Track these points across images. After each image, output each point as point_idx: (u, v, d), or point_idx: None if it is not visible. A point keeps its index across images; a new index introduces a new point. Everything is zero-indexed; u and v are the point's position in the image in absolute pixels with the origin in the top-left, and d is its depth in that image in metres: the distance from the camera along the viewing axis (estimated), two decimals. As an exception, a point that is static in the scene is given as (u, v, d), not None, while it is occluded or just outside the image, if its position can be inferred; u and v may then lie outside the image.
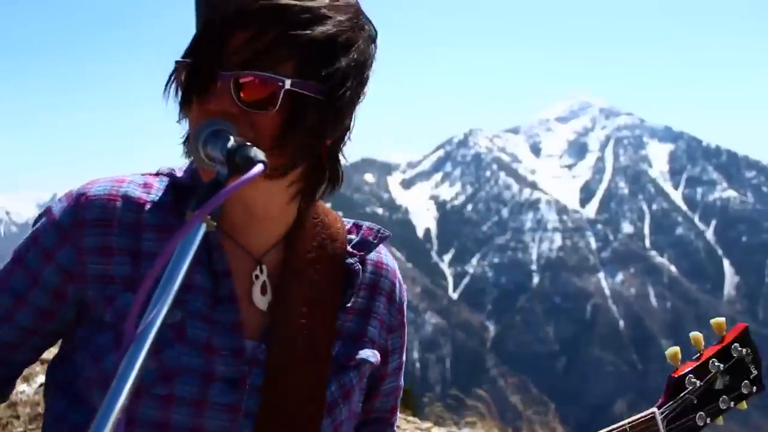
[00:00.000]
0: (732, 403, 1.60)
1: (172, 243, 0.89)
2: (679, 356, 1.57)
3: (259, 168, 0.96)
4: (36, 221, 1.33)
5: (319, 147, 1.23)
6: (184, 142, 1.29)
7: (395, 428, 1.58)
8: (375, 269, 1.44)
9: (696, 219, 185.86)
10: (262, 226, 1.32)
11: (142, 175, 1.34)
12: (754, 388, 1.62)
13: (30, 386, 4.77)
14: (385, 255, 1.48)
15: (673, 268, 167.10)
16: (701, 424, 1.57)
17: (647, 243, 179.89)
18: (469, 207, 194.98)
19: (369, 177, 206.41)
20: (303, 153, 1.21)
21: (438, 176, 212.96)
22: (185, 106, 1.20)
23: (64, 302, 1.28)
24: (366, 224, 1.47)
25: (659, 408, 1.54)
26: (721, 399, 1.58)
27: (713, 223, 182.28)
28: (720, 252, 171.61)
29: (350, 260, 1.39)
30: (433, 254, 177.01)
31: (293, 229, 1.36)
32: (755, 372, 1.63)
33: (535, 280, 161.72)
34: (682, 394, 1.55)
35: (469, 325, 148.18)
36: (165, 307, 0.87)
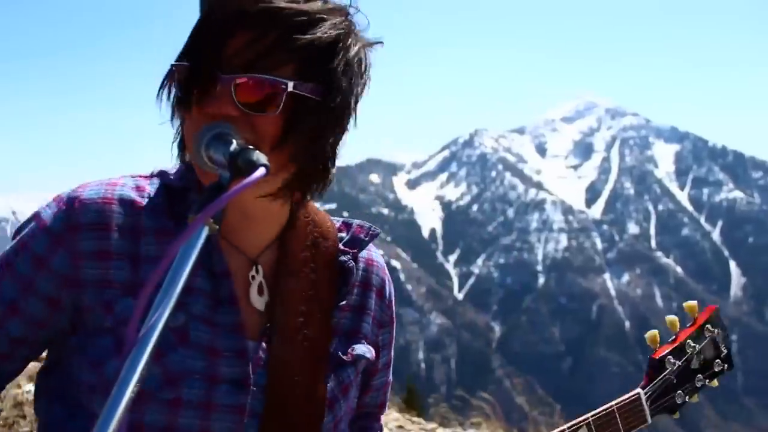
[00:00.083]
0: (707, 380, 1.69)
1: (174, 246, 0.88)
2: (658, 339, 1.65)
3: (261, 172, 0.96)
4: (22, 227, 1.30)
5: (319, 149, 1.24)
6: (178, 145, 1.30)
7: (382, 423, 1.61)
8: (366, 266, 1.46)
9: (702, 220, 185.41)
10: (257, 226, 1.33)
11: (133, 177, 1.33)
12: (725, 366, 1.73)
13: (36, 386, 4.77)
14: (374, 252, 1.50)
15: (679, 269, 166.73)
16: (680, 402, 1.65)
17: (653, 244, 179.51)
18: (475, 207, 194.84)
19: (374, 177, 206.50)
20: (303, 155, 1.22)
21: (443, 176, 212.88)
22: (183, 109, 1.20)
23: (58, 310, 1.25)
24: (356, 222, 1.49)
25: (643, 389, 1.61)
26: (696, 378, 1.67)
27: (719, 223, 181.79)
28: (726, 253, 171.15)
29: (343, 258, 1.41)
30: (439, 254, 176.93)
31: (286, 229, 1.37)
32: (725, 351, 1.73)
33: (541, 280, 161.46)
34: (662, 375, 1.63)
35: (475, 325, 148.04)
36: (167, 310, 0.87)
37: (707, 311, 1.73)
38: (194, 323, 1.23)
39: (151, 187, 1.31)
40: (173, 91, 1.22)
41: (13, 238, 1.30)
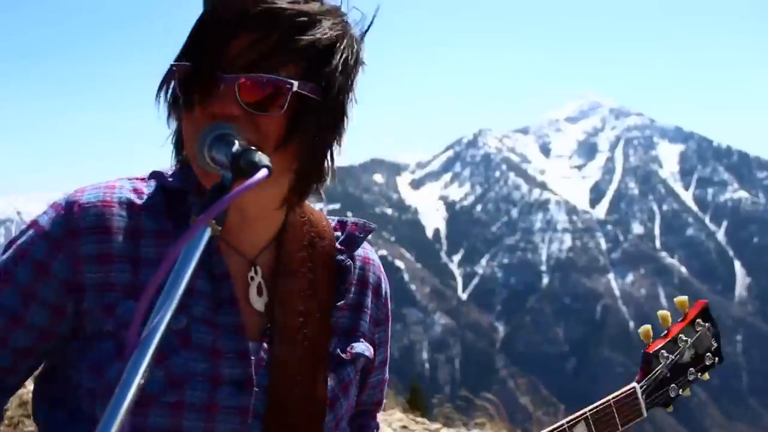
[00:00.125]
0: (698, 374, 1.72)
1: (176, 247, 0.88)
2: (651, 334, 1.68)
3: (263, 173, 0.97)
4: (17, 237, 1.28)
5: (320, 148, 1.25)
6: (175, 145, 1.30)
7: (378, 421, 1.61)
8: (363, 264, 1.47)
9: (707, 220, 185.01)
10: (254, 227, 1.33)
11: (130, 180, 1.33)
12: (716, 359, 1.76)
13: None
14: (370, 251, 1.51)
15: (683, 269, 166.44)
16: (673, 395, 1.69)
17: (657, 244, 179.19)
18: (479, 207, 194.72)
19: (378, 177, 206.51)
20: (306, 155, 1.23)
21: (447, 176, 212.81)
22: (186, 108, 1.19)
23: (64, 318, 1.24)
24: (351, 220, 1.49)
25: (638, 383, 1.64)
26: (689, 371, 1.70)
27: (724, 223, 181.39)
28: (731, 253, 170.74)
29: (340, 257, 1.42)
30: (443, 255, 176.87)
31: (283, 230, 1.37)
32: (716, 345, 1.76)
33: (545, 280, 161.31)
34: (656, 369, 1.66)
35: (479, 325, 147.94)
36: (169, 312, 0.87)
37: (697, 306, 1.76)
38: (196, 325, 1.23)
39: (148, 189, 1.30)
40: (172, 90, 1.23)
41: (7, 248, 1.28)
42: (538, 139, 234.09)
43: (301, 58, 1.18)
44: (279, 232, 1.37)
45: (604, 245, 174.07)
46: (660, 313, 1.70)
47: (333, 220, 1.48)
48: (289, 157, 1.21)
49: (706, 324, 1.75)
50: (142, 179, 1.33)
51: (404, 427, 8.61)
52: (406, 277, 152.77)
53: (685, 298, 1.74)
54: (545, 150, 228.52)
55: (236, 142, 1.06)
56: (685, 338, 1.70)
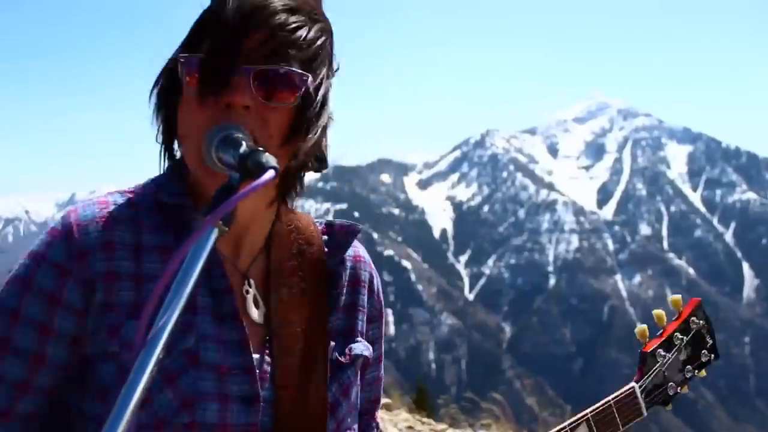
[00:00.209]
0: (695, 371, 1.75)
1: (183, 248, 0.88)
2: (647, 333, 1.70)
3: (270, 174, 0.97)
4: (20, 270, 1.22)
5: (314, 145, 1.26)
6: (167, 142, 1.30)
7: (378, 419, 1.60)
8: (353, 263, 1.46)
9: (715, 221, 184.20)
10: (246, 237, 1.32)
11: (122, 194, 1.30)
12: (712, 356, 1.78)
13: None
14: (359, 247, 1.50)
15: (691, 271, 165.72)
16: (672, 393, 1.70)
17: (665, 245, 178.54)
18: (486, 208, 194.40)
19: (385, 177, 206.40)
20: (303, 152, 1.24)
21: (454, 177, 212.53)
22: (198, 99, 1.18)
23: (81, 346, 1.20)
24: (337, 222, 1.48)
25: (637, 382, 1.66)
26: (686, 369, 1.73)
27: (732, 225, 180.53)
28: (739, 254, 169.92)
29: (331, 262, 1.41)
30: (450, 255, 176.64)
31: (271, 239, 1.36)
32: (711, 341, 1.78)
33: (552, 281, 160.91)
34: (654, 368, 1.67)
35: (485, 326, 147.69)
36: (175, 313, 0.86)
37: (691, 304, 1.78)
38: (203, 343, 1.21)
39: (143, 203, 1.28)
40: (173, 82, 1.24)
41: (8, 282, 1.22)
42: (545, 139, 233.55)
43: (302, 54, 1.20)
44: (267, 241, 1.36)
45: (611, 246, 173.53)
46: (655, 312, 1.72)
47: (321, 224, 1.46)
48: (286, 154, 1.22)
49: (701, 321, 1.76)
50: (132, 191, 1.31)
51: (410, 427, 8.61)
52: (412, 277, 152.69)
53: (679, 296, 1.76)
54: (553, 150, 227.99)
55: (243, 143, 1.07)
56: (680, 336, 1.71)
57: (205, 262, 0.90)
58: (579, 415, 1.59)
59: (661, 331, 1.72)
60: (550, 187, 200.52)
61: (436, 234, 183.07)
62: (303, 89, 1.20)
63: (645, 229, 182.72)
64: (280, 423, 1.25)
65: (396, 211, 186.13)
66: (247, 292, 1.31)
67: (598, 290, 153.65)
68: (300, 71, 1.19)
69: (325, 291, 1.39)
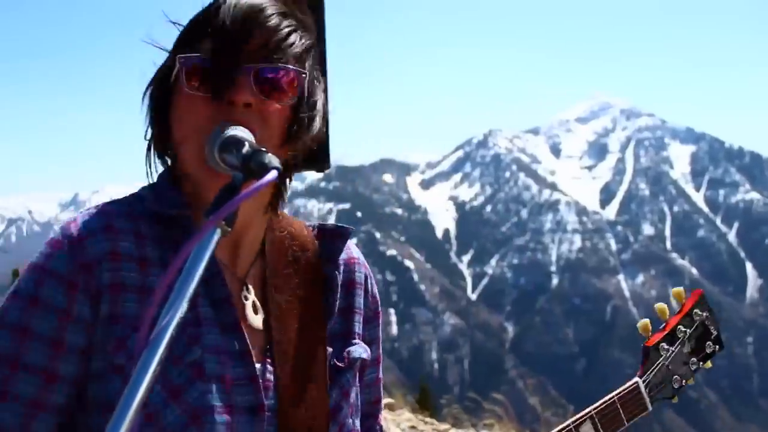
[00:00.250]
0: (700, 363, 1.74)
1: (186, 248, 0.87)
2: (650, 327, 1.69)
3: (273, 174, 0.97)
4: (21, 284, 1.20)
5: (313, 143, 1.31)
6: (157, 142, 1.31)
7: (382, 421, 1.59)
8: (347, 266, 1.47)
9: (718, 221, 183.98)
10: (243, 243, 1.33)
11: (119, 204, 1.29)
12: (716, 347, 1.77)
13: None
14: (352, 248, 1.50)
15: (694, 271, 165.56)
16: (677, 386, 1.69)
17: (668, 245, 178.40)
18: (489, 208, 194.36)
19: (388, 177, 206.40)
20: (302, 149, 1.29)
21: (457, 177, 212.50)
22: (209, 98, 1.20)
23: (90, 360, 1.19)
24: (329, 225, 1.48)
25: (640, 377, 1.65)
26: (690, 361, 1.72)
27: (736, 225, 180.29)
28: (743, 254, 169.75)
29: (326, 267, 1.42)
30: (452, 255, 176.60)
31: (265, 246, 1.37)
32: (715, 332, 1.77)
33: (555, 281, 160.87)
34: (657, 362, 1.66)
35: (488, 326, 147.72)
36: (178, 313, 0.86)
37: (694, 296, 1.77)
38: (207, 355, 1.21)
39: (142, 215, 1.28)
40: (170, 81, 1.25)
41: (10, 298, 1.20)
42: (548, 139, 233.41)
43: (296, 55, 1.24)
44: (262, 248, 1.37)
45: (614, 246, 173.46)
46: (657, 306, 1.71)
47: (314, 228, 1.47)
48: (285, 153, 1.26)
49: (704, 313, 1.75)
50: (129, 202, 1.30)
51: (413, 427, 8.62)
52: (415, 277, 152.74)
53: (681, 289, 1.75)
54: (555, 150, 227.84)
55: (247, 143, 1.08)
56: (684, 329, 1.70)
57: (204, 271, 0.89)
58: (583, 412, 1.58)
59: (663, 324, 1.71)
60: (553, 187, 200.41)
61: (439, 234, 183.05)
62: (300, 86, 1.23)
63: (648, 229, 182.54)
64: (285, 431, 1.25)
65: (399, 211, 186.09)
66: (246, 298, 1.31)
67: (601, 290, 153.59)
68: (297, 68, 1.23)
69: (321, 296, 1.39)
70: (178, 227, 1.26)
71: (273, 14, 1.23)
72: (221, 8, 1.22)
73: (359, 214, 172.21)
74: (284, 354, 1.29)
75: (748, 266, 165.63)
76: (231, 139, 1.10)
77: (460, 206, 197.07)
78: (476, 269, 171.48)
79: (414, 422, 8.80)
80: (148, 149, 1.31)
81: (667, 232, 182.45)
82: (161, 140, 1.30)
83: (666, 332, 1.69)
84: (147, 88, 1.28)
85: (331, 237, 1.45)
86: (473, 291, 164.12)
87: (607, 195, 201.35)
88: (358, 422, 1.41)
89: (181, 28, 1.29)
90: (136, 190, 1.34)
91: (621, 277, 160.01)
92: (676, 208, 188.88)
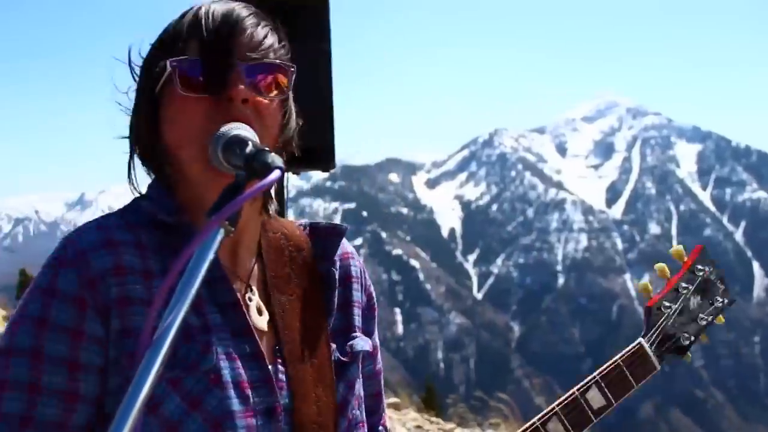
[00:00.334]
0: (710, 317, 1.70)
1: (189, 248, 0.87)
2: (650, 288, 1.67)
3: (276, 174, 0.97)
4: (26, 307, 1.18)
5: (294, 139, 1.36)
6: (145, 153, 1.32)
7: (385, 415, 1.60)
8: (342, 261, 1.48)
9: (725, 220, 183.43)
10: (240, 244, 1.34)
11: (117, 216, 1.30)
12: (726, 300, 1.74)
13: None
14: (345, 244, 1.51)
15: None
16: (686, 343, 1.66)
17: (675, 244, 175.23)
18: (494, 207, 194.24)
19: (394, 177, 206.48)
20: (290, 144, 1.34)
21: (463, 176, 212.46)
22: (208, 96, 1.22)
23: (107, 376, 1.19)
24: (322, 223, 1.49)
25: (644, 337, 1.63)
26: (699, 317, 1.69)
27: (743, 224, 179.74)
28: (749, 253, 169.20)
29: (322, 265, 1.44)
30: (458, 254, 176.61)
31: (262, 247, 1.39)
32: (723, 286, 1.74)
33: (561, 280, 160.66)
34: (660, 321, 1.65)
35: (494, 325, 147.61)
36: (181, 314, 0.85)
37: (694, 252, 1.75)
38: (222, 362, 1.21)
39: (141, 225, 1.28)
40: (161, 84, 1.26)
41: (20, 321, 1.18)
42: (554, 138, 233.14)
43: (279, 53, 1.29)
44: (259, 249, 1.39)
45: (620, 245, 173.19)
46: (657, 265, 1.70)
47: (306, 227, 1.49)
48: (289, 147, 1.31)
49: (706, 267, 1.72)
50: (126, 213, 1.31)
51: (419, 426, 8.62)
52: (421, 276, 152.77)
53: (680, 247, 1.72)
54: (561, 149, 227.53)
55: (250, 142, 1.09)
56: (686, 285, 1.68)
57: (207, 273, 0.89)
58: (587, 379, 1.57)
59: (665, 283, 1.69)
60: (559, 186, 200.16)
61: (445, 233, 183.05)
62: (289, 81, 1.28)
63: (654, 228, 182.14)
64: (298, 431, 1.27)
65: (404, 211, 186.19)
66: (250, 299, 1.32)
67: (607, 290, 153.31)
68: (286, 63, 1.28)
69: (321, 294, 1.41)
70: (177, 234, 1.26)
71: (250, 14, 1.27)
72: (200, 12, 1.26)
73: (365, 213, 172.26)
74: (293, 353, 1.31)
75: (755, 265, 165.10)
76: (235, 138, 1.11)
77: (465, 205, 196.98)
78: (482, 268, 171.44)
79: (420, 422, 8.81)
80: (132, 158, 1.32)
81: (674, 231, 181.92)
82: (151, 147, 1.30)
83: (667, 290, 1.67)
84: (138, 97, 1.30)
85: (325, 235, 1.47)
86: (479, 290, 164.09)
87: (613, 194, 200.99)
88: (363, 414, 1.43)
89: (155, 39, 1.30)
90: (128, 202, 1.34)
91: (627, 276, 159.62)
92: (682, 207, 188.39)
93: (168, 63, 1.23)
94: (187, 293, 0.87)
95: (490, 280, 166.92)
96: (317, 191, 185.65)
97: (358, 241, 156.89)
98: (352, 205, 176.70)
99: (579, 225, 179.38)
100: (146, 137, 1.29)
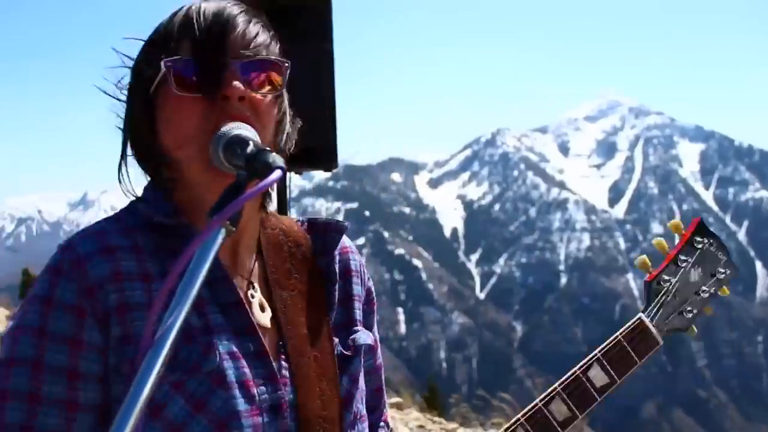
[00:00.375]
0: (713, 289, 1.68)
1: (190, 249, 0.86)
2: (649, 263, 1.65)
3: (277, 174, 0.97)
4: (24, 317, 1.18)
5: (291, 135, 1.36)
6: (139, 156, 1.31)
7: (386, 412, 1.60)
8: (341, 256, 1.48)
9: (727, 220, 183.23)
10: (240, 242, 1.34)
11: (114, 221, 1.29)
12: (728, 271, 1.71)
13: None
14: (344, 239, 1.51)
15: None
16: (689, 316, 1.64)
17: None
18: (497, 206, 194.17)
19: (396, 176, 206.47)
20: (287, 141, 1.34)
21: (465, 176, 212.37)
22: (203, 97, 1.22)
23: (108, 384, 1.18)
24: (321, 220, 1.49)
25: (644, 312, 1.61)
26: (701, 289, 1.66)
27: (745, 223, 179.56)
28: (752, 253, 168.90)
29: (321, 261, 1.43)
30: (461, 254, 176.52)
31: (262, 244, 1.39)
32: (724, 257, 1.71)
33: (563, 280, 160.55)
34: (660, 295, 1.62)
35: (496, 325, 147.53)
36: (182, 314, 0.85)
37: (692, 225, 1.72)
38: (226, 362, 1.21)
39: (138, 229, 1.27)
40: (155, 84, 1.25)
41: (19, 331, 1.17)
42: (556, 138, 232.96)
43: (272, 50, 1.29)
44: (259, 246, 1.39)
45: (623, 245, 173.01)
46: (655, 240, 1.68)
47: (304, 223, 1.49)
48: (285, 145, 1.31)
49: (705, 239, 1.69)
50: (123, 217, 1.30)
51: (421, 426, 8.63)
52: (423, 276, 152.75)
53: (678, 221, 1.70)
54: (564, 149, 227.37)
55: (251, 142, 1.09)
56: (685, 258, 1.65)
57: (208, 274, 0.88)
58: (588, 357, 1.55)
59: (663, 258, 1.67)
60: (562, 185, 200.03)
61: (447, 233, 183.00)
62: (284, 77, 1.28)
63: (657, 228, 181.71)
64: (304, 426, 1.27)
65: (407, 210, 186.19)
66: (252, 297, 1.32)
67: (610, 289, 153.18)
68: (281, 59, 1.28)
69: (321, 289, 1.41)
70: (175, 236, 1.25)
71: (241, 12, 1.27)
72: (191, 11, 1.25)
73: (367, 213, 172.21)
74: (296, 349, 1.31)
75: (758, 265, 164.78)
76: (236, 138, 1.11)
77: (468, 205, 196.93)
78: (484, 268, 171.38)
79: (422, 421, 8.82)
80: (123, 162, 1.32)
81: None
82: (147, 148, 1.29)
83: (666, 264, 1.64)
84: (131, 99, 1.29)
85: (324, 231, 1.46)
86: (481, 290, 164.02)
87: (615, 193, 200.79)
88: (364, 408, 1.42)
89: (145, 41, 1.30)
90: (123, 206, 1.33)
91: (630, 276, 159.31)
92: (685, 207, 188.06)
93: (162, 63, 1.23)
94: (187, 294, 0.86)
95: (493, 280, 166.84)
96: (320, 191, 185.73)
97: (361, 240, 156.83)
98: (355, 205, 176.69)
99: (581, 224, 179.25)
100: (142, 138, 1.28)
